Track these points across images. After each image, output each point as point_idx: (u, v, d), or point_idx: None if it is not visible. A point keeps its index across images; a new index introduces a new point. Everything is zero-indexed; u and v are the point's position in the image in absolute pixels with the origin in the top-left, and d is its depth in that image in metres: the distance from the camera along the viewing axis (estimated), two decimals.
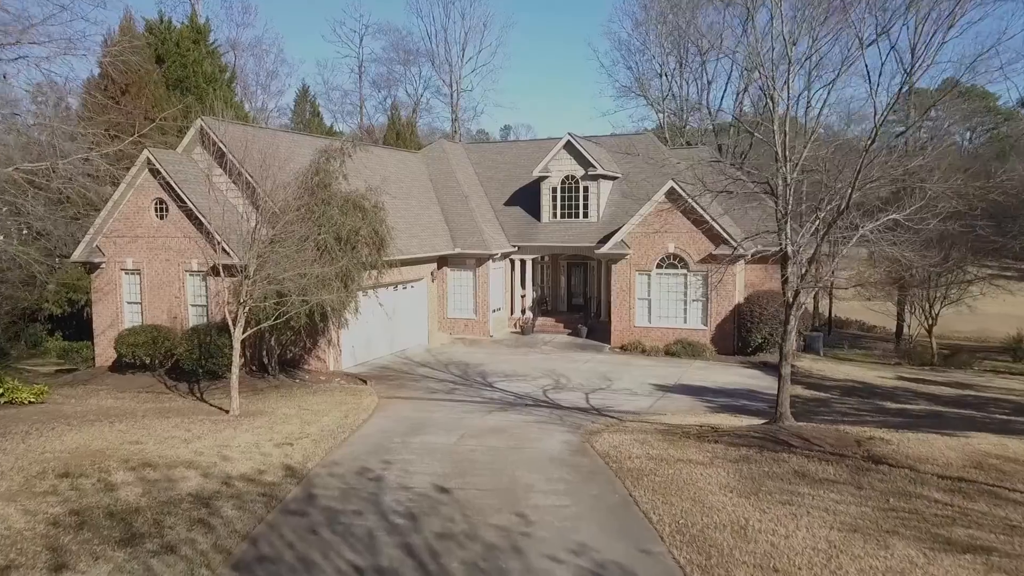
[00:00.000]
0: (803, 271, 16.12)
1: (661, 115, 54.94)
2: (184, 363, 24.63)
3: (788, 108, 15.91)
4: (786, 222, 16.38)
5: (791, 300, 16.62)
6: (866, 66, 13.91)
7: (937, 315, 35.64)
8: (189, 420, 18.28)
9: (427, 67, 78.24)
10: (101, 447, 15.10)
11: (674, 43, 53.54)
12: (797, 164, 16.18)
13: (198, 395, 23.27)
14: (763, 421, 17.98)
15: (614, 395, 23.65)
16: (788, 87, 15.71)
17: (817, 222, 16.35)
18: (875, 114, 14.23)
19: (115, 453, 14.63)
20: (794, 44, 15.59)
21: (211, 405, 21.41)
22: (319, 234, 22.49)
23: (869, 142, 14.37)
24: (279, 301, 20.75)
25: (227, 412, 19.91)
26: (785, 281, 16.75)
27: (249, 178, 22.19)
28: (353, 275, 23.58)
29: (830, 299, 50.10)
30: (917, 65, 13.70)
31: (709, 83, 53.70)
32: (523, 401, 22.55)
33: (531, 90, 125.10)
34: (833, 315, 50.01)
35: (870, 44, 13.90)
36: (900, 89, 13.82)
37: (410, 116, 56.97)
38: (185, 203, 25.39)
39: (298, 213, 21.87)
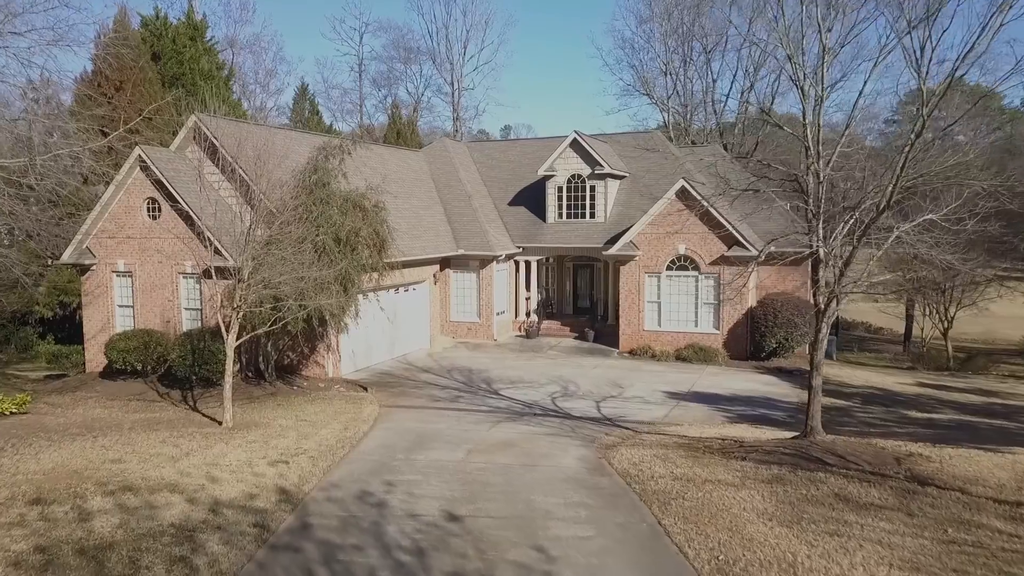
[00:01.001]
0: (838, 274, 14.78)
1: (666, 114, 53.60)
2: (177, 369, 23.29)
3: (822, 98, 14.55)
4: (818, 222, 15.05)
5: (823, 306, 15.30)
6: (913, 51, 12.55)
7: (952, 318, 34.36)
8: (178, 433, 16.94)
9: (428, 65, 76.93)
10: (80, 467, 13.75)
11: (679, 40, 52.22)
12: (830, 160, 14.84)
13: (191, 404, 21.92)
14: (792, 435, 16.64)
15: (626, 404, 22.34)
16: (822, 76, 14.36)
17: (851, 221, 15.01)
18: (922, 103, 12.84)
19: (94, 474, 13.29)
20: (828, 31, 14.24)
21: (203, 415, 20.06)
22: (317, 235, 21.17)
23: (916, 133, 13.02)
24: (275, 306, 19.43)
25: (220, 423, 18.56)
26: (816, 285, 15.42)
27: (244, 176, 20.85)
28: (353, 278, 22.25)
29: (836, 300, 48.78)
30: (967, 51, 12.37)
31: (714, 81, 52.40)
32: (531, 410, 21.24)
33: (532, 90, 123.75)
34: (839, 317, 48.74)
35: (915, 26, 12.56)
36: (951, 75, 12.46)
37: (411, 115, 55.57)
38: (178, 202, 24.05)
39: (295, 213, 20.54)
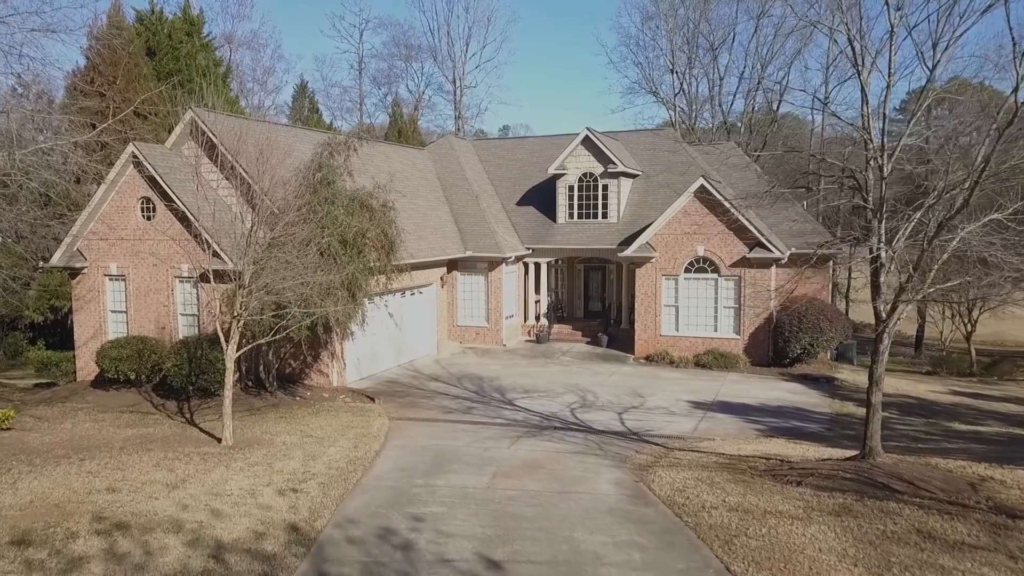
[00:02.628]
0: (906, 280, 13.20)
1: (672, 112, 52.03)
2: (172, 379, 21.57)
3: (888, 85, 12.96)
4: (880, 222, 13.47)
5: (885, 315, 13.72)
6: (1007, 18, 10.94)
7: (976, 321, 32.86)
8: (174, 454, 15.25)
9: (429, 63, 75.20)
10: (63, 499, 12.07)
11: (685, 37, 50.67)
12: (893, 153, 13.26)
13: (187, 417, 20.21)
14: (847, 455, 15.03)
15: (649, 415, 20.75)
16: (890, 59, 12.77)
17: (911, 222, 13.42)
18: (1018, 81, 11.17)
19: (80, 507, 11.62)
20: (898, 10, 12.67)
21: (201, 431, 18.36)
22: (322, 237, 19.52)
23: (1010, 117, 11.39)
24: (278, 313, 17.76)
25: (219, 441, 16.88)
26: (876, 291, 13.83)
27: (244, 174, 19.18)
28: (361, 283, 20.59)
29: (847, 302, 47.38)
30: None
31: (721, 78, 50.85)
32: (550, 423, 19.64)
33: (534, 89, 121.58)
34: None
35: None
36: None
37: (412, 113, 53.87)
38: (174, 202, 22.35)
39: (299, 213, 18.88)
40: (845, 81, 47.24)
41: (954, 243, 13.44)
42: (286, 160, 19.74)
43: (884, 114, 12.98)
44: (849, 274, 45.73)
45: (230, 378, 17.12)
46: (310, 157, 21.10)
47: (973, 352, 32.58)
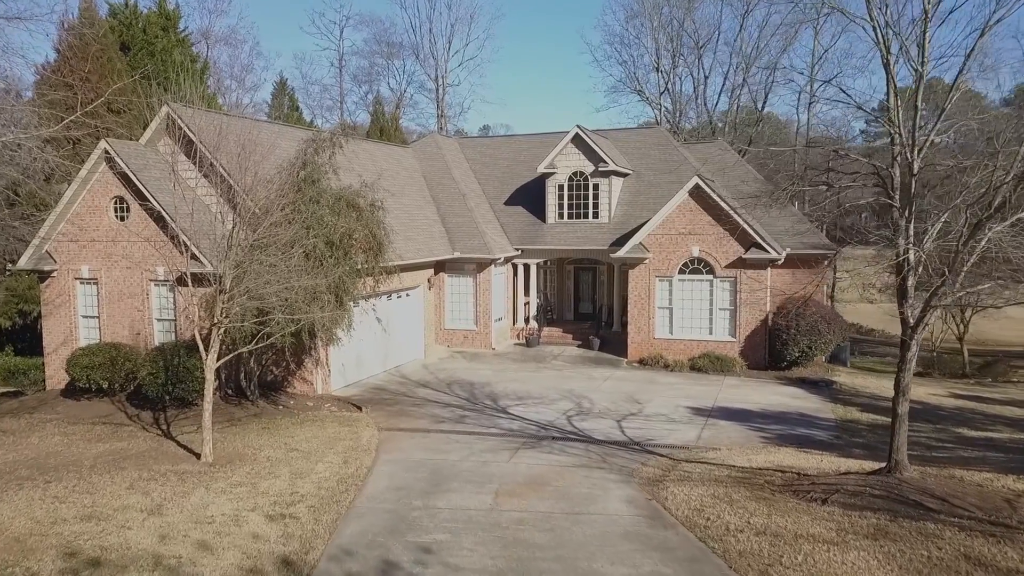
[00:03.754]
0: (939, 283, 12.27)
1: (657, 111, 51.17)
2: (148, 388, 20.25)
3: (922, 75, 12.01)
4: (909, 221, 12.53)
5: (913, 321, 12.80)
6: None
7: (969, 321, 32.26)
8: (149, 474, 13.99)
9: (411, 61, 73.70)
10: (24, 531, 10.80)
11: (669, 37, 49.83)
12: (922, 148, 12.32)
13: (163, 428, 18.91)
14: (872, 470, 14.08)
15: (649, 423, 19.76)
16: (923, 46, 11.82)
17: (939, 221, 12.51)
18: None
19: (44, 541, 10.36)
20: None
21: (179, 444, 17.09)
22: (308, 238, 18.30)
23: None
24: (261, 320, 16.54)
25: (198, 457, 15.64)
26: (903, 296, 12.90)
27: (223, 172, 17.91)
28: (348, 287, 19.41)
29: (831, 302, 46.75)
30: None
31: (706, 77, 50.06)
32: (547, 432, 18.58)
33: (517, 87, 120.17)
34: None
35: None
36: None
37: (394, 112, 52.51)
38: (149, 201, 21.02)
39: (283, 214, 17.64)
40: (829, 81, 46.54)
41: (983, 243, 12.58)
42: (269, 157, 18.50)
43: (916, 106, 12.03)
44: (835, 273, 45.20)
45: (210, 390, 15.86)
46: (294, 155, 19.88)
47: (966, 353, 31.95)
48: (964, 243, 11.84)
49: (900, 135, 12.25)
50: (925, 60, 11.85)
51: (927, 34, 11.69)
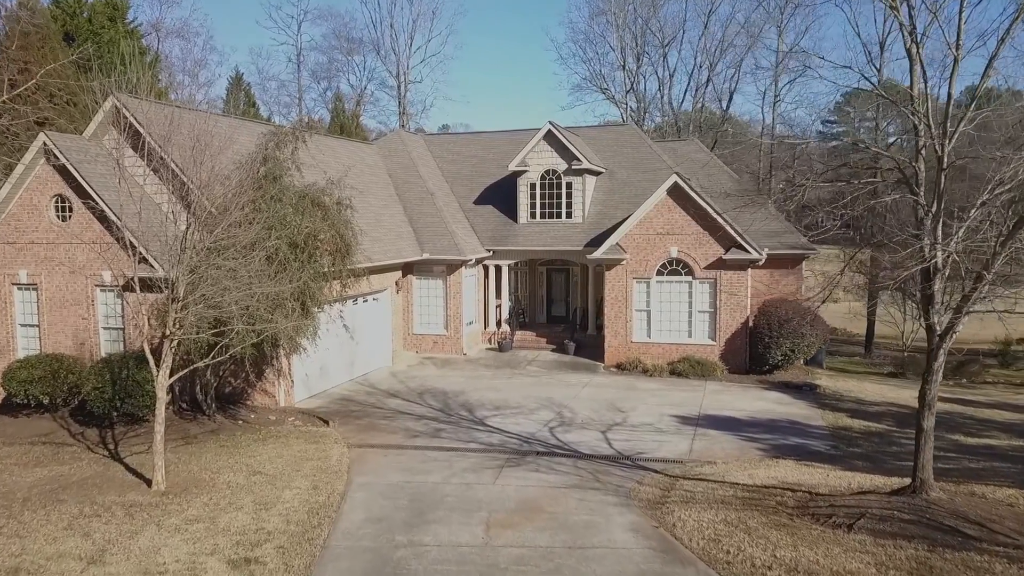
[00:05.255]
0: (971, 288, 11.12)
1: (622, 110, 50.05)
2: (93, 404, 18.27)
3: (956, 59, 10.82)
4: (937, 220, 11.36)
5: (941, 329, 11.64)
6: None
7: None
8: (92, 509, 12.20)
9: (372, 57, 71.39)
10: None
11: (633, 36, 48.74)
12: (952, 137, 11.13)
13: (111, 448, 17.01)
14: (894, 489, 12.89)
15: (636, 434, 18.47)
16: (960, 27, 10.61)
17: (970, 219, 11.36)
18: None
19: None
20: None
21: (127, 468, 15.25)
22: (269, 240, 16.58)
23: None
24: (219, 331, 14.79)
25: (149, 485, 13.86)
26: (929, 301, 11.74)
27: (175, 167, 16.08)
28: (314, 292, 17.73)
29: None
30: None
31: (671, 76, 49.09)
32: (531, 446, 17.17)
33: (480, 86, 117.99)
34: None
35: None
36: None
37: (354, 109, 50.53)
38: (93, 200, 19.08)
39: (243, 213, 15.89)
40: (794, 80, 46.05)
41: (1011, 245, 11.48)
42: (226, 151, 16.70)
43: (951, 94, 10.84)
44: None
45: (162, 409, 14.08)
46: (253, 149, 18.14)
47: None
48: (1004, 243, 10.70)
49: (929, 125, 11.05)
50: (960, 42, 10.66)
51: (963, 12, 10.49)
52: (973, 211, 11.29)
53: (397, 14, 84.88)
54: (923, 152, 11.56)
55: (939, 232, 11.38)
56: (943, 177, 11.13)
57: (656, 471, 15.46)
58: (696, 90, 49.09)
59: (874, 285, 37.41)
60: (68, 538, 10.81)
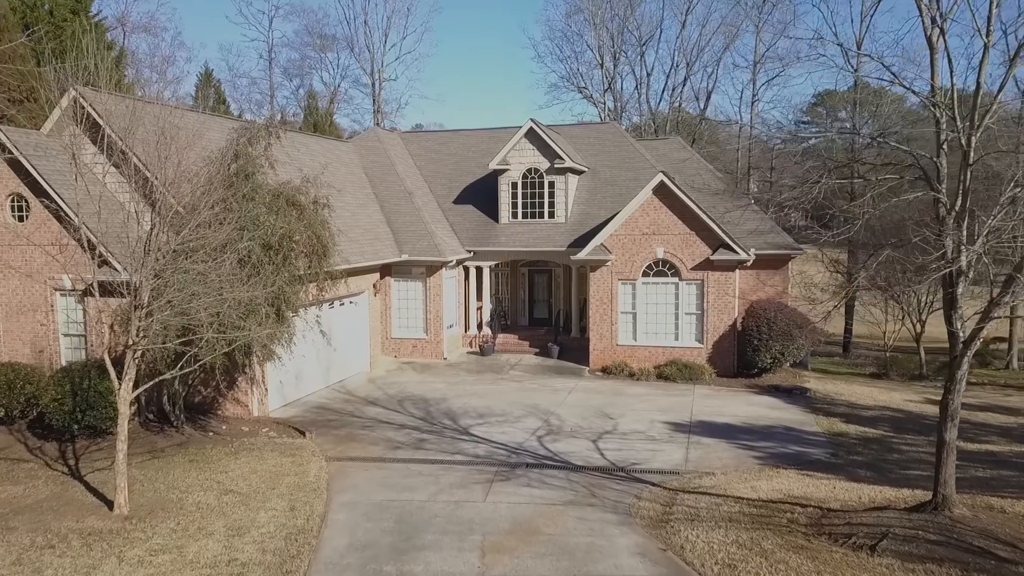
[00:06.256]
0: (1000, 291, 10.33)
1: (601, 109, 49.21)
2: (52, 416, 16.94)
3: (986, 45, 10.00)
4: (962, 220, 10.56)
5: (965, 335, 10.84)
6: None
7: (925, 321, 31.16)
8: (47, 538, 11.00)
9: (345, 54, 69.74)
10: None
11: (610, 34, 47.95)
12: (979, 127, 10.32)
13: (71, 464, 15.74)
14: (913, 505, 12.09)
15: (628, 442, 17.58)
16: (991, 9, 9.79)
17: (996, 216, 10.56)
18: None
19: None
20: None
21: (88, 488, 14.02)
22: (242, 241, 15.42)
23: None
24: (187, 340, 13.61)
25: (112, 507, 12.66)
26: (952, 305, 10.94)
27: (137, 162, 14.84)
28: (289, 297, 16.59)
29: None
30: None
31: (648, 75, 48.37)
32: (520, 458, 16.21)
33: (456, 84, 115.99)
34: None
35: None
36: None
37: (328, 107, 49.12)
38: (51, 198, 17.75)
39: (212, 212, 14.71)
40: (772, 79, 45.59)
41: None
42: (194, 146, 15.47)
43: (979, 84, 10.03)
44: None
45: (124, 426, 12.87)
46: (224, 145, 16.95)
47: (923, 354, 30.84)
48: None
49: (956, 117, 10.23)
50: (991, 28, 9.84)
51: None
52: (997, 209, 10.51)
53: (371, 10, 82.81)
54: (945, 147, 10.75)
55: (963, 231, 10.58)
56: (968, 173, 10.32)
57: (653, 483, 14.58)
58: (673, 90, 48.49)
59: (851, 285, 37.29)
60: (16, 572, 9.62)
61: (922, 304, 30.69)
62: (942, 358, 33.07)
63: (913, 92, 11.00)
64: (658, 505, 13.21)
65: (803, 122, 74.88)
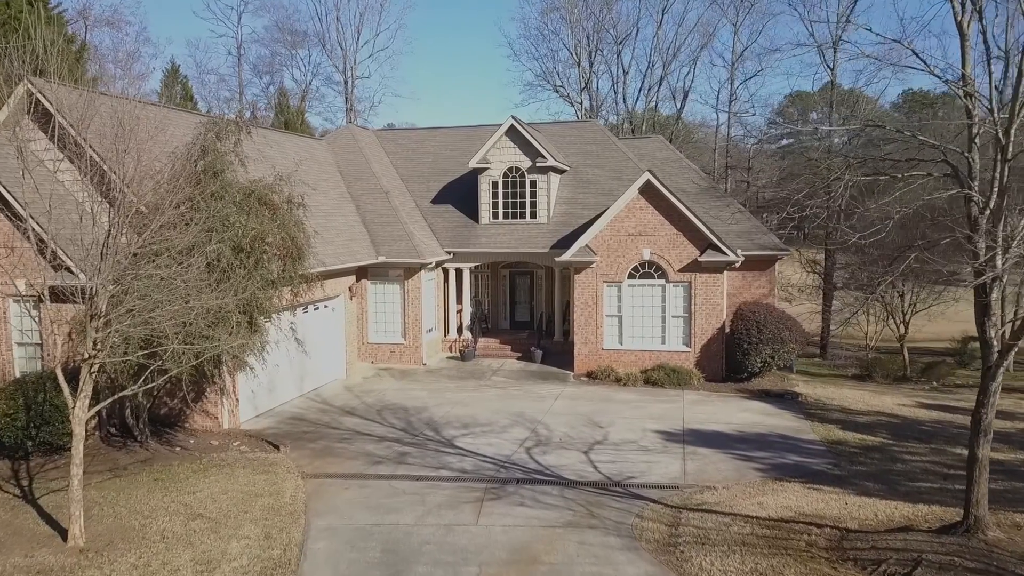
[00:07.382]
0: None
1: (577, 108, 48.30)
2: (3, 433, 15.51)
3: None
4: (996, 221, 9.69)
5: (1000, 344, 9.97)
6: None
7: (909, 321, 30.63)
8: None
9: (317, 51, 67.96)
10: None
11: (586, 32, 47.06)
12: (1018, 114, 9.43)
13: (23, 485, 14.35)
14: (942, 526, 11.21)
15: (621, 453, 16.61)
16: None
17: None
18: None
19: None
20: None
21: (41, 514, 12.68)
22: (210, 243, 14.16)
23: None
24: (151, 351, 12.32)
25: (66, 538, 11.35)
26: (985, 312, 10.06)
27: (93, 155, 13.50)
28: (263, 304, 15.34)
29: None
30: None
31: (625, 74, 47.54)
32: (508, 472, 15.17)
33: (430, 82, 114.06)
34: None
35: None
36: None
37: (299, 105, 47.58)
38: (3, 198, 16.29)
39: (178, 212, 13.44)
40: (750, 78, 44.95)
41: None
42: (157, 139, 14.15)
43: (1021, 70, 9.15)
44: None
45: (79, 447, 11.56)
46: (190, 141, 15.67)
47: (907, 355, 30.29)
48: None
49: (992, 108, 9.35)
50: None
51: None
52: None
53: (343, 7, 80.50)
54: (977, 140, 9.88)
55: (999, 234, 9.70)
56: (1006, 169, 9.45)
57: (653, 500, 13.61)
58: (649, 89, 47.72)
59: (829, 285, 36.77)
60: None
61: (906, 305, 30.18)
62: (925, 359, 32.67)
63: (943, 80, 10.12)
64: (663, 525, 12.23)
65: (775, 122, 74.80)
